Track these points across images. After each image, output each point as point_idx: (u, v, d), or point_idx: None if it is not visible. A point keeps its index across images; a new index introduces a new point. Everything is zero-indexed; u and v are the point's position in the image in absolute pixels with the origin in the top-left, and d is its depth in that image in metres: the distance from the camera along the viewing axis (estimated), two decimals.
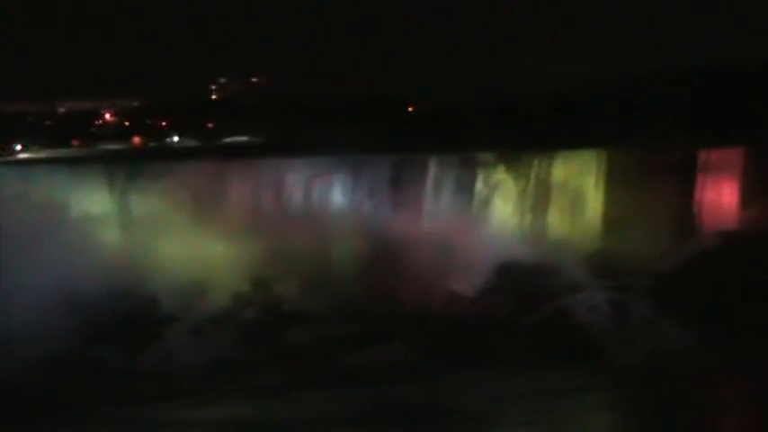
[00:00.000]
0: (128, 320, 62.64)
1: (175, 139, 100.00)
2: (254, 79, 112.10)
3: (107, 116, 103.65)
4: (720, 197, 70.99)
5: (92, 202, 73.63)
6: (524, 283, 67.24)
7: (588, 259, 70.33)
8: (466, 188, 74.93)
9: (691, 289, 63.76)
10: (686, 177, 71.83)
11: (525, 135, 79.01)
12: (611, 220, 73.12)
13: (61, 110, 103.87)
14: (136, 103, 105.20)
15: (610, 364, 56.51)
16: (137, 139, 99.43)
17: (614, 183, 73.53)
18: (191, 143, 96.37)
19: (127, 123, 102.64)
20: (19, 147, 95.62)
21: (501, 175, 75.39)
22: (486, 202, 74.86)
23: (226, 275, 67.31)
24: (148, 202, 73.62)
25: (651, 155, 72.31)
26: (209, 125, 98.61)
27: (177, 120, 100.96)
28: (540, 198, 74.50)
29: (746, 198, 69.37)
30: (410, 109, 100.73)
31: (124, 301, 64.03)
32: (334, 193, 75.11)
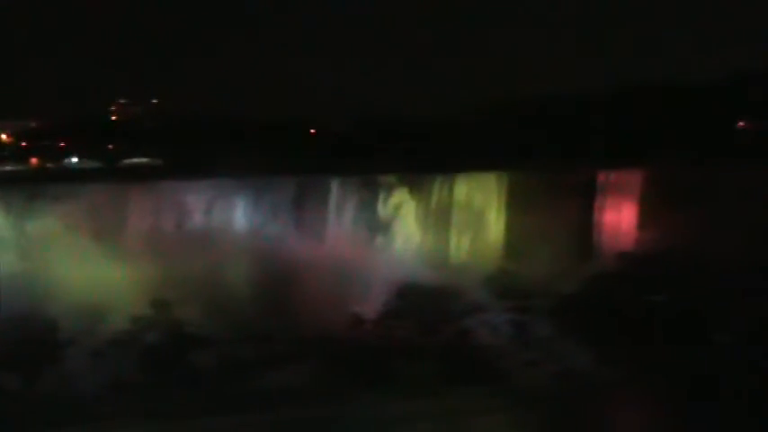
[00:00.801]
0: (26, 345, 61.23)
1: (74, 160, 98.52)
2: (154, 101, 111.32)
3: (3, 137, 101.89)
4: (619, 219, 72.08)
5: None
6: (426, 305, 67.48)
7: (490, 281, 70.99)
8: (368, 210, 75.28)
9: (590, 310, 64.52)
10: (586, 200, 72.91)
11: (427, 158, 79.52)
12: (513, 242, 74.07)
13: None
14: (33, 124, 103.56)
15: (511, 385, 56.93)
16: (34, 161, 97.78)
17: (515, 205, 74.52)
18: (90, 165, 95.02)
19: (24, 144, 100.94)
20: None
21: (403, 198, 75.92)
22: (389, 225, 75.30)
23: (127, 298, 66.26)
24: (47, 224, 72.39)
25: (551, 177, 73.22)
26: (109, 147, 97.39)
27: (76, 141, 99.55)
28: (442, 220, 75.15)
29: (644, 220, 70.50)
30: (312, 131, 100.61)
31: (22, 325, 62.58)
32: (235, 216, 74.93)
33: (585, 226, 72.98)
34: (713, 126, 76.10)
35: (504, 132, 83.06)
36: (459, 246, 74.84)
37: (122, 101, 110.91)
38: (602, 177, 73.58)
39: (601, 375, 57.14)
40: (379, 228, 75.11)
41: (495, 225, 75.36)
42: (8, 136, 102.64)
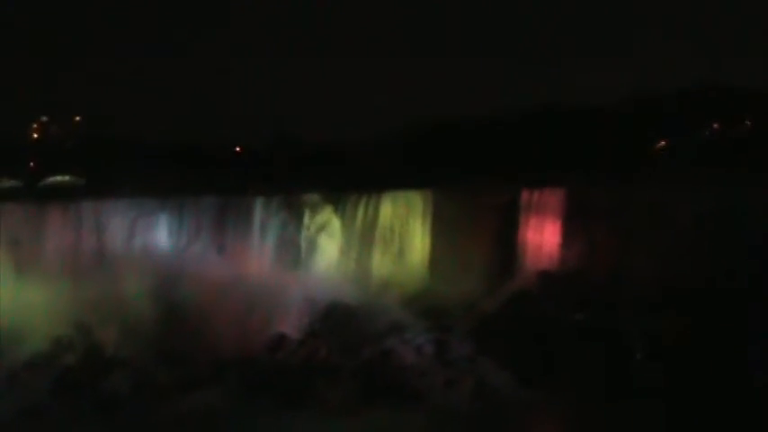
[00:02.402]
0: None
1: None
2: (76, 118, 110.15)
3: None
4: (541, 238, 72.27)
5: None
6: (347, 325, 67.31)
7: (411, 300, 70.85)
8: (290, 230, 75.10)
9: (511, 328, 64.66)
10: (507, 218, 73.03)
11: (350, 177, 79.50)
12: (434, 261, 74.06)
13: None
14: None
15: (431, 404, 56.97)
16: None
17: (437, 224, 74.54)
18: (10, 183, 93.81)
19: None
20: None
21: (326, 217, 75.79)
22: (311, 244, 75.14)
23: (42, 320, 65.39)
24: None
25: (473, 196, 73.45)
26: (30, 165, 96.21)
27: None
28: (364, 239, 75.05)
29: (565, 239, 70.80)
30: (237, 150, 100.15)
31: None
32: (156, 236, 74.48)
33: (507, 245, 72.99)
34: (631, 145, 76.67)
35: (428, 152, 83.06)
36: (382, 265, 74.64)
37: (44, 118, 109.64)
38: (523, 196, 73.71)
39: (519, 394, 57.31)
40: (302, 247, 74.93)
41: (417, 244, 75.27)
42: None
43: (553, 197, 72.68)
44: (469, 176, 76.14)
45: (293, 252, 75.07)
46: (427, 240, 75.07)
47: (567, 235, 70.79)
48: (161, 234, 75.08)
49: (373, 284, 73.28)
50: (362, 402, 56.86)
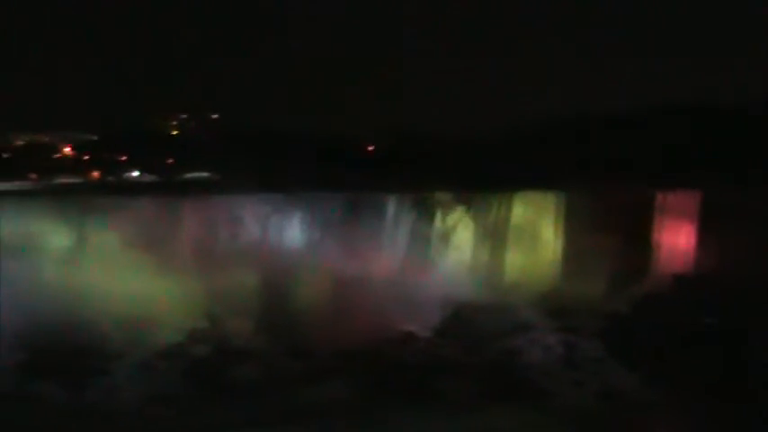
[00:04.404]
0: (74, 356, 61.85)
1: (134, 173, 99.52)
2: (213, 116, 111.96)
3: (65, 150, 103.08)
4: (673, 240, 71.28)
5: (46, 236, 73.20)
6: (475, 324, 67.27)
7: (540, 300, 70.43)
8: (421, 227, 75.15)
9: (640, 331, 63.88)
10: (640, 220, 72.12)
11: (482, 175, 79.26)
12: (565, 262, 73.45)
13: (19, 143, 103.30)
14: (95, 137, 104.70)
15: (556, 404, 56.53)
16: (95, 174, 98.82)
17: (569, 224, 73.92)
18: (149, 178, 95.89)
19: (85, 157, 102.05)
20: None
21: (456, 215, 75.63)
22: (441, 242, 75.08)
23: (176, 311, 66.87)
24: (103, 236, 73.21)
25: (606, 197, 72.60)
26: (168, 161, 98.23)
27: (136, 154, 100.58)
28: (494, 238, 74.77)
29: (698, 241, 69.69)
30: (370, 148, 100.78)
31: (71, 336, 63.21)
32: (288, 231, 75.14)
33: (640, 246, 72.09)
34: None
35: (560, 151, 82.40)
36: (512, 264, 74.29)
37: (182, 115, 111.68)
38: (658, 198, 72.71)
39: (646, 397, 56.52)
40: (431, 245, 74.93)
41: (548, 244, 74.78)
42: (71, 148, 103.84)
43: (688, 198, 71.59)
44: (602, 177, 75.31)
45: (423, 250, 74.99)
46: (558, 241, 74.52)
47: (702, 237, 69.67)
48: (293, 229, 75.67)
49: (503, 284, 72.98)
50: (488, 401, 56.67)
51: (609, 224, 70.76)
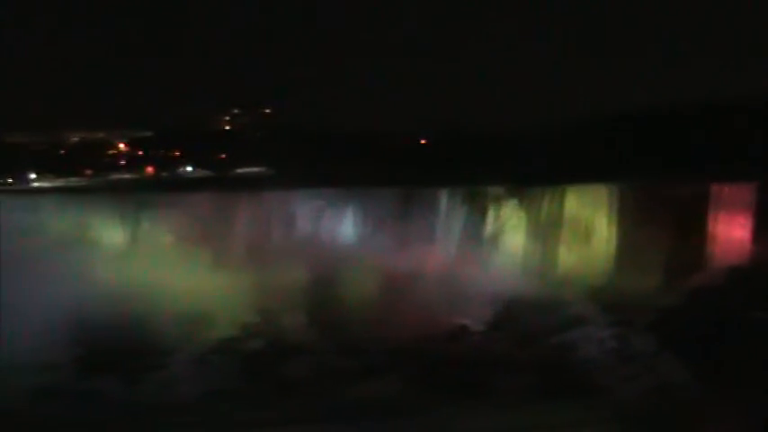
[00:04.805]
0: (130, 351, 62.49)
1: (188, 169, 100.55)
2: (266, 111, 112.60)
3: (120, 146, 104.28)
4: (728, 233, 70.67)
5: (101, 232, 74.23)
6: (528, 318, 67.19)
7: (594, 294, 70.11)
8: (473, 222, 75.13)
9: (695, 325, 63.40)
10: (695, 212, 71.51)
11: (535, 169, 79.13)
12: (619, 255, 73.00)
13: (74, 139, 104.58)
14: (149, 134, 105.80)
15: (609, 400, 56.20)
16: (149, 169, 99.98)
17: (623, 218, 73.46)
18: (203, 174, 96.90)
19: (140, 153, 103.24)
20: (32, 176, 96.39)
21: (508, 209, 75.50)
22: (493, 236, 75.03)
23: (230, 306, 67.42)
24: (158, 232, 74.12)
25: (659, 190, 72.14)
26: (222, 156, 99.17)
27: (190, 150, 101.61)
28: (547, 232, 74.53)
29: (752, 234, 69.09)
30: (422, 141, 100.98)
31: (127, 331, 63.90)
32: (340, 226, 75.51)
33: (695, 239, 71.48)
34: None
35: (614, 144, 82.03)
36: (565, 258, 74.00)
37: (235, 110, 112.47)
38: (713, 190, 72.09)
39: (701, 393, 56.04)
40: (483, 239, 74.89)
41: (602, 238, 74.31)
42: (125, 145, 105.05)
43: (744, 191, 70.94)
44: (657, 170, 74.87)
45: (476, 244, 74.97)
46: (612, 234, 73.98)
47: (757, 230, 69.01)
48: (346, 224, 76.00)
49: (556, 278, 72.73)
50: (540, 396, 56.47)
51: (663, 217, 70.24)
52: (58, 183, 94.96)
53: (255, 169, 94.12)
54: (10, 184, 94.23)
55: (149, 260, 71.02)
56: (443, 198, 75.35)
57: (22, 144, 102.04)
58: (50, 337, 62.46)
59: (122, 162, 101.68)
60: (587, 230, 74.40)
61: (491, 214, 75.20)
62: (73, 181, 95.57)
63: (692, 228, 70.74)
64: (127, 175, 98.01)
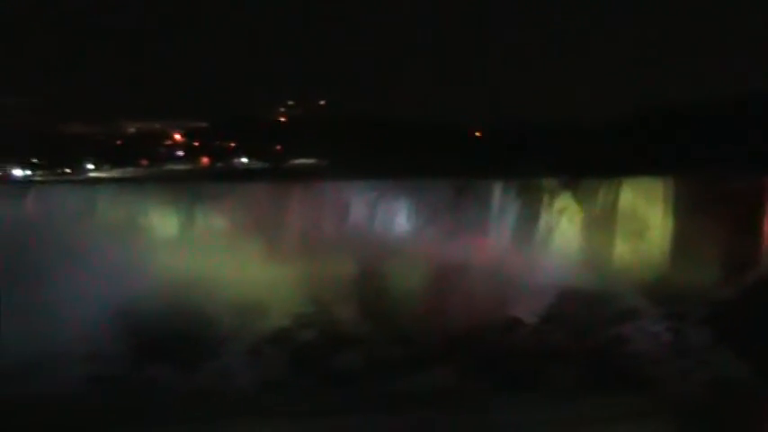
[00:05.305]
0: (184, 340, 62.96)
1: (243, 160, 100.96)
2: (320, 102, 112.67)
3: (175, 137, 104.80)
4: None
5: (157, 222, 74.82)
6: (582, 310, 66.89)
7: (648, 287, 69.59)
8: (528, 214, 74.81)
9: (752, 319, 62.83)
10: (753, 205, 70.79)
11: (589, 161, 78.68)
12: (674, 248, 72.40)
13: (130, 130, 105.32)
14: (204, 124, 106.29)
15: (663, 393, 55.89)
16: (204, 160, 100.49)
17: (678, 210, 72.82)
18: (257, 165, 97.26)
19: (195, 144, 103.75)
20: (89, 166, 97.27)
21: (564, 201, 75.06)
22: (548, 229, 74.61)
23: (284, 297, 67.71)
24: (213, 222, 74.60)
25: (715, 183, 71.48)
26: (277, 147, 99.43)
27: (244, 141, 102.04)
28: (602, 225, 74.02)
29: None
30: (477, 134, 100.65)
31: (181, 321, 64.40)
32: (393, 217, 75.51)
33: (752, 233, 70.76)
34: None
35: (669, 136, 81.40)
36: (620, 251, 73.47)
37: (290, 102, 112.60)
38: None
39: (758, 388, 55.56)
40: (539, 232, 74.54)
41: (657, 231, 73.66)
42: (181, 135, 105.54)
43: None
44: (713, 162, 74.14)
45: (530, 236, 74.66)
46: (668, 227, 73.30)
47: None
48: (399, 215, 75.98)
49: (610, 270, 72.24)
50: (594, 387, 56.27)
51: (720, 209, 69.57)
52: (115, 173, 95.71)
53: (310, 160, 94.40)
54: (67, 174, 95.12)
55: (203, 250, 71.36)
56: (497, 190, 74.95)
57: (80, 134, 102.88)
58: (106, 326, 63.13)
59: (178, 153, 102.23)
60: (642, 223, 73.77)
61: (546, 206, 74.69)
62: (129, 171, 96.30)
63: (750, 221, 70.00)
64: (182, 166, 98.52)
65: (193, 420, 52.68)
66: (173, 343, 62.47)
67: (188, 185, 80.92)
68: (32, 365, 58.20)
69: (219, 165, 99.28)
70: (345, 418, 52.25)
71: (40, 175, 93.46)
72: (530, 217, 74.54)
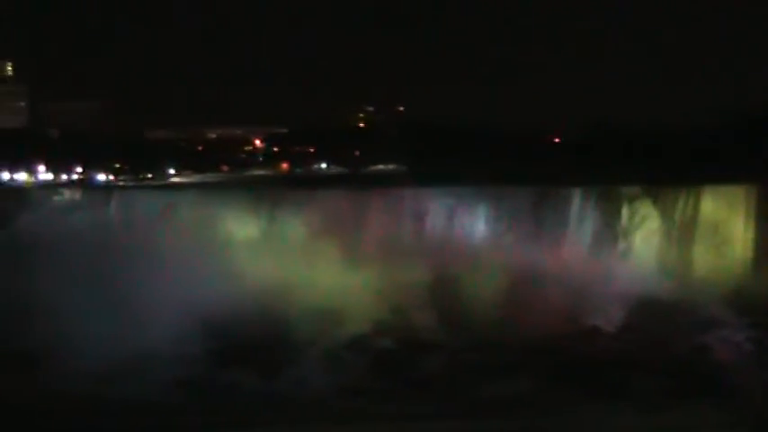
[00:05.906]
0: (264, 345, 63.46)
1: (322, 166, 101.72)
2: (399, 108, 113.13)
3: (256, 143, 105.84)
4: None
5: (237, 227, 75.51)
6: (663, 320, 66.39)
7: (730, 297, 68.89)
8: (607, 222, 74.44)
9: None
10: None
11: (670, 169, 78.17)
12: (757, 258, 71.65)
13: (212, 136, 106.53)
14: (284, 131, 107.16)
15: (746, 403, 55.20)
16: (284, 166, 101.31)
17: (761, 219, 72.07)
18: (336, 171, 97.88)
19: (275, 150, 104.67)
20: (171, 171, 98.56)
21: (644, 209, 74.55)
22: (628, 237, 74.17)
23: (363, 304, 67.92)
24: (292, 227, 75.04)
25: None
26: (355, 153, 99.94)
27: (324, 147, 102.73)
28: (683, 233, 73.44)
29: None
30: (555, 140, 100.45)
31: (261, 325, 64.94)
32: (473, 224, 75.46)
33: None
34: None
35: (752, 144, 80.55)
36: (701, 260, 72.82)
37: (369, 108, 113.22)
38: None
39: None
40: (619, 240, 74.10)
41: (739, 240, 72.96)
42: (261, 141, 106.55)
43: None
44: None
45: (610, 244, 74.26)
46: (750, 236, 72.61)
47: None
48: (478, 222, 75.93)
49: (691, 279, 71.61)
50: (674, 398, 55.71)
51: None
52: (196, 178, 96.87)
53: (389, 167, 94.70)
54: (149, 179, 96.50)
55: (283, 256, 71.93)
56: (577, 197, 74.67)
57: (162, 140, 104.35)
58: (188, 329, 63.75)
59: (258, 158, 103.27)
60: (724, 231, 73.07)
61: (626, 214, 74.25)
62: (210, 176, 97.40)
63: None
64: (262, 172, 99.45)
65: (273, 424, 53.18)
66: (254, 347, 63.12)
67: (268, 191, 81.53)
68: (118, 367, 58.99)
69: (299, 170, 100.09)
70: (426, 425, 52.54)
71: (123, 180, 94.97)
72: (609, 225, 74.15)
